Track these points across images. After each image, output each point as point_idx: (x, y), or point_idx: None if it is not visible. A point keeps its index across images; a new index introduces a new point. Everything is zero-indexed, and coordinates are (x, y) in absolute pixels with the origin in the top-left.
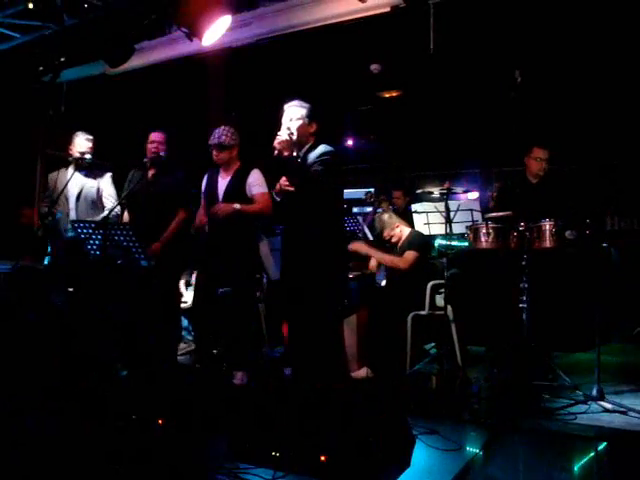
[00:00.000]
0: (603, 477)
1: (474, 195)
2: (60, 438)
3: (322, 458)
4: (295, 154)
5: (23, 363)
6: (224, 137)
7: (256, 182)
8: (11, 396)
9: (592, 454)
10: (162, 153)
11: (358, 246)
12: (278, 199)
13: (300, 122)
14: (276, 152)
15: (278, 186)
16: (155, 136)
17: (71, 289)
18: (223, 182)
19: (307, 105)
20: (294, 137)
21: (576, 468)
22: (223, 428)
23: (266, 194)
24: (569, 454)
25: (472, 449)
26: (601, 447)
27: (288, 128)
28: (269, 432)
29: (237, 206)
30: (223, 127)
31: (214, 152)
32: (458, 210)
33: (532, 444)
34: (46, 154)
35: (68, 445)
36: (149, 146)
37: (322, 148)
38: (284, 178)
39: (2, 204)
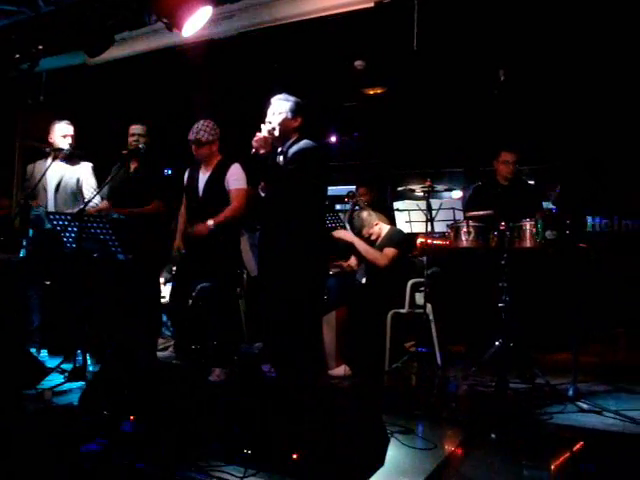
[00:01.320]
0: (577, 477)
1: (458, 194)
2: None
3: (294, 456)
4: (276, 150)
5: None
6: (202, 132)
7: (234, 177)
8: None
9: (567, 454)
10: (141, 145)
11: (343, 233)
12: (263, 194)
13: (283, 116)
14: (253, 150)
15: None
16: (134, 129)
17: (48, 282)
18: (203, 177)
19: (292, 99)
20: (275, 132)
21: (550, 468)
22: (195, 425)
23: (242, 190)
24: (544, 454)
25: (447, 448)
26: (576, 447)
27: (269, 122)
28: (241, 429)
29: (210, 223)
30: (202, 122)
31: (193, 147)
32: (440, 209)
33: (508, 443)
34: (24, 144)
35: (35, 440)
36: (129, 139)
37: (303, 143)
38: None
39: None
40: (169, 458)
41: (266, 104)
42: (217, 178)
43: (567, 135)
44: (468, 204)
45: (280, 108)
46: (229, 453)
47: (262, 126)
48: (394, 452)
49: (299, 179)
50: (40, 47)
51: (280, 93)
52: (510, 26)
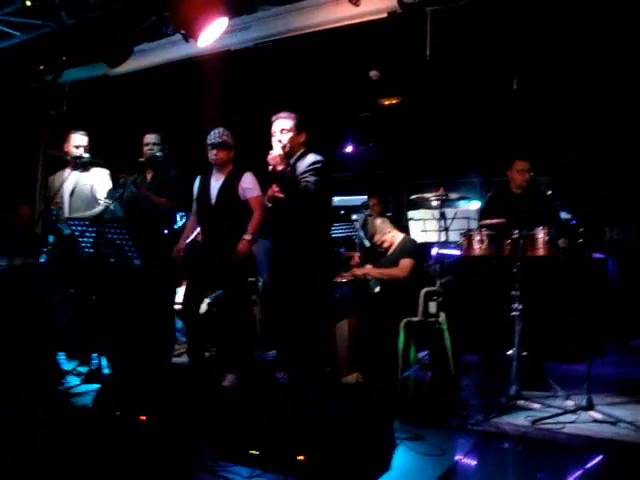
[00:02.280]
0: None
1: (476, 204)
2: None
3: (300, 458)
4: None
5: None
6: (225, 137)
7: (250, 185)
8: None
9: (577, 463)
10: (158, 153)
11: (355, 273)
12: (269, 205)
13: (291, 134)
14: (270, 167)
15: (270, 192)
16: (148, 138)
17: (72, 290)
18: (216, 184)
19: (294, 115)
20: (287, 149)
21: (559, 477)
22: (207, 427)
23: (260, 197)
24: (553, 463)
25: (455, 455)
26: (587, 457)
27: (280, 141)
28: (249, 431)
29: (248, 237)
30: (221, 128)
31: (214, 151)
32: (455, 218)
33: (517, 452)
34: (48, 154)
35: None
36: (144, 148)
37: (312, 157)
38: (275, 186)
39: (2, 202)
40: (178, 458)
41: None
42: (230, 186)
43: (585, 144)
44: (483, 214)
45: (286, 126)
46: (237, 454)
47: (274, 144)
48: (402, 458)
49: (317, 192)
50: (63, 58)
51: (281, 111)
52: (523, 34)
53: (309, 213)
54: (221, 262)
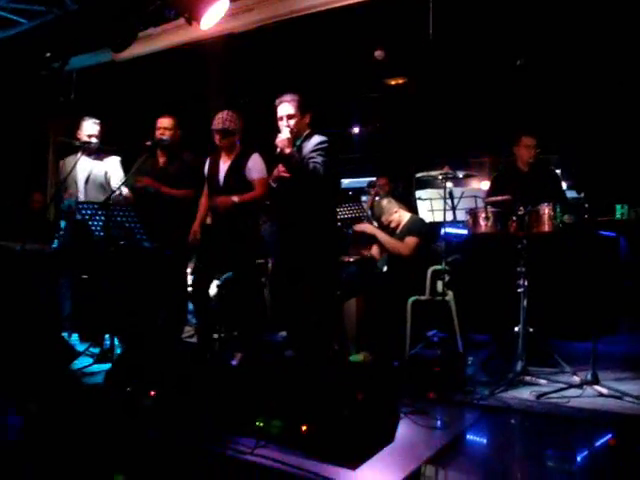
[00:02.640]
0: (588, 459)
1: (487, 184)
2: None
3: (303, 428)
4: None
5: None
6: (228, 122)
7: (255, 167)
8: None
9: (582, 436)
10: (165, 137)
11: (364, 226)
12: (274, 185)
13: (297, 118)
14: (278, 150)
15: (276, 172)
16: (162, 122)
17: (85, 276)
18: (224, 166)
19: (297, 97)
20: (295, 134)
21: (563, 449)
22: (213, 401)
23: (265, 179)
24: (557, 435)
25: (458, 427)
26: (592, 430)
27: (288, 126)
28: (254, 404)
29: (235, 199)
30: (226, 112)
31: (217, 137)
32: (462, 197)
33: (521, 425)
34: (57, 140)
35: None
36: (157, 132)
37: (317, 138)
38: (281, 166)
39: (14, 189)
40: (186, 431)
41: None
42: (238, 167)
43: (594, 124)
44: (489, 192)
45: (292, 110)
46: (242, 426)
47: (282, 128)
48: (405, 430)
49: (320, 171)
50: (69, 45)
51: (284, 94)
52: (527, 11)
53: (317, 193)
54: (229, 244)
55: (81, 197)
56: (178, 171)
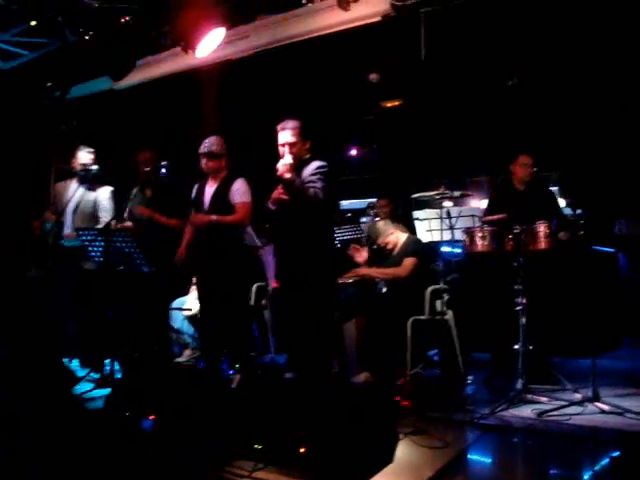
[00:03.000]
0: (590, 477)
1: (485, 203)
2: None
3: (301, 450)
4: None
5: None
6: (214, 146)
7: (238, 191)
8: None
9: (583, 454)
10: (147, 169)
11: (357, 271)
12: (273, 207)
13: (299, 145)
14: (279, 173)
15: (275, 194)
16: (141, 156)
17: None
18: (210, 190)
19: (298, 124)
20: (296, 161)
21: (564, 467)
22: (211, 424)
23: (246, 204)
24: (558, 453)
25: (459, 447)
26: (593, 447)
27: (291, 153)
28: (253, 427)
29: (213, 217)
30: (213, 137)
31: (204, 160)
32: (460, 216)
33: (521, 444)
34: (59, 168)
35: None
36: (140, 166)
37: (316, 163)
38: (280, 188)
39: (17, 217)
40: (185, 454)
41: (280, 122)
42: (222, 192)
43: (592, 140)
44: (486, 211)
45: (293, 137)
46: (240, 449)
47: (285, 155)
48: (405, 450)
49: (320, 196)
50: (69, 74)
51: (285, 120)
52: (516, 31)
53: (316, 216)
54: (216, 267)
55: (68, 225)
56: (161, 206)
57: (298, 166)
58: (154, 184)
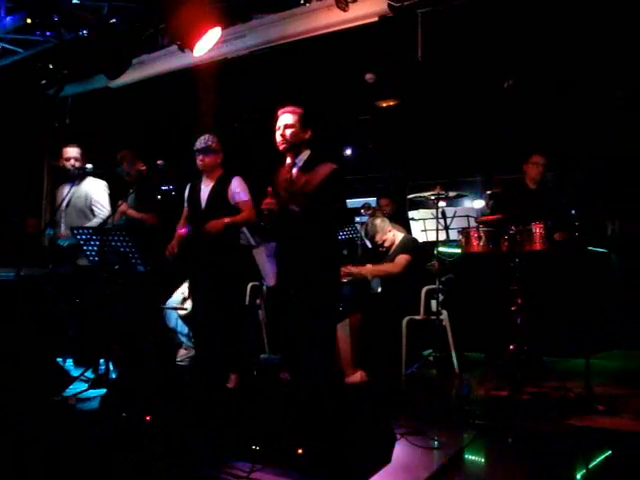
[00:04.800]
0: (585, 476)
1: (480, 203)
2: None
3: (299, 451)
4: (290, 160)
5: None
6: (210, 142)
7: (239, 190)
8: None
9: (577, 453)
10: (119, 170)
11: (350, 271)
12: (266, 225)
13: (294, 129)
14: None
15: (264, 207)
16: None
17: (77, 300)
18: (206, 189)
19: (300, 110)
20: (288, 144)
21: (559, 467)
22: (209, 425)
23: (250, 201)
24: (553, 453)
25: (455, 448)
26: (586, 447)
27: (282, 135)
28: (250, 427)
29: (227, 220)
30: (208, 135)
31: (200, 157)
32: (454, 216)
33: (517, 444)
34: (52, 166)
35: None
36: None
37: (327, 169)
38: (267, 200)
39: (9, 214)
40: (182, 455)
41: (275, 119)
42: (219, 190)
43: (587, 141)
44: (492, 210)
45: (291, 120)
46: (238, 450)
47: (277, 138)
48: (402, 451)
49: (332, 210)
50: (65, 72)
51: (287, 106)
52: (512, 33)
53: (322, 217)
54: (212, 266)
55: (62, 221)
56: (140, 201)
57: (299, 161)
58: (138, 183)
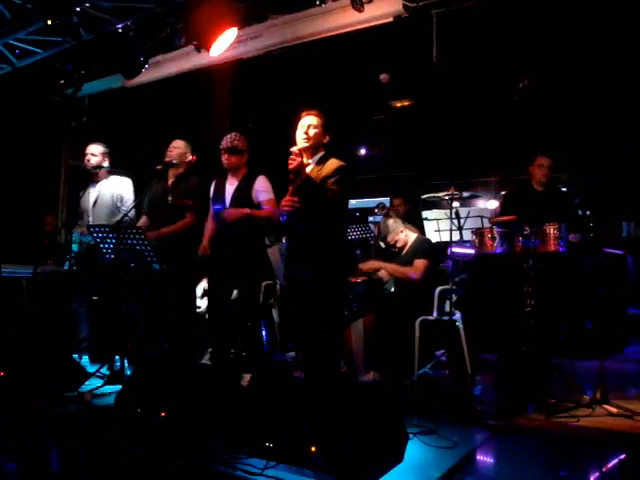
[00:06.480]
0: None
1: (494, 204)
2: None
3: (312, 449)
4: (306, 160)
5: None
6: (237, 142)
7: (263, 188)
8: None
9: (591, 456)
10: (174, 161)
11: (371, 264)
12: (283, 219)
13: (317, 130)
14: (292, 165)
15: (284, 203)
16: (175, 143)
17: (95, 298)
18: (231, 187)
19: (324, 116)
20: (311, 142)
21: (572, 469)
22: (223, 422)
23: (273, 200)
24: (566, 455)
25: (467, 447)
26: (601, 449)
27: (306, 133)
28: (265, 425)
29: (247, 211)
30: (234, 133)
31: (225, 156)
32: (468, 217)
33: (529, 445)
34: (69, 164)
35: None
36: (168, 152)
37: (335, 162)
38: (288, 198)
39: (27, 212)
40: (196, 452)
41: (293, 120)
42: (244, 189)
43: (601, 141)
44: (500, 212)
45: (315, 122)
46: (252, 447)
47: (299, 138)
48: (415, 450)
49: (338, 202)
50: (82, 72)
51: (312, 109)
52: (526, 33)
53: (331, 219)
54: (235, 265)
55: (90, 220)
56: (180, 194)
57: (313, 160)
58: (179, 172)
